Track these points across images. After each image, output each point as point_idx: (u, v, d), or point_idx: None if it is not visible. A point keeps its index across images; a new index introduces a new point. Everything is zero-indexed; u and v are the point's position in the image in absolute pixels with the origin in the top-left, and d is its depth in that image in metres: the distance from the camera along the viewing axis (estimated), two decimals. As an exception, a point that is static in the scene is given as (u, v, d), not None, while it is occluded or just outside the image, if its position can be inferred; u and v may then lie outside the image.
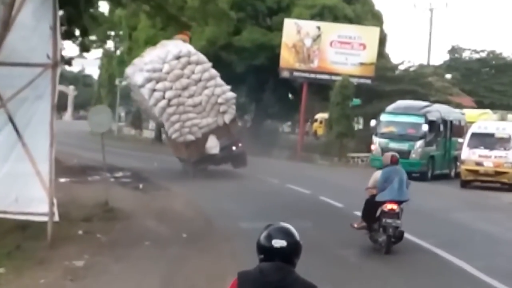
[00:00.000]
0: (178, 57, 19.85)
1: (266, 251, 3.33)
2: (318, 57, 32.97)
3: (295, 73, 33.09)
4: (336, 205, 16.67)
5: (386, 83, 33.10)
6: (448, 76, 46.56)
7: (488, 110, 33.01)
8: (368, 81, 32.53)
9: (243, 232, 12.08)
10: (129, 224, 12.92)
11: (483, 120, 26.38)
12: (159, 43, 19.21)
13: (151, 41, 34.54)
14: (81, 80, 73.71)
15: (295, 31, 32.82)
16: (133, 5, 20.99)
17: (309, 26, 32.87)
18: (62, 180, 19.16)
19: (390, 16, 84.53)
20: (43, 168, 9.99)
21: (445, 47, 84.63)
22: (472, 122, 26.16)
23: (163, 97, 20.11)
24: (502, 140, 23.33)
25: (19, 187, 10.10)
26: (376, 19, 35.87)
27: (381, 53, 34.89)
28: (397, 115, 26.48)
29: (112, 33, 39.06)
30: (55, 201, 10.16)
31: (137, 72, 19.88)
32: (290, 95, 35.28)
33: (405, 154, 25.57)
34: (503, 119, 27.69)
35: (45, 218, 10.06)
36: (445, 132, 26.99)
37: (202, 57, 21.28)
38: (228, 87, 21.57)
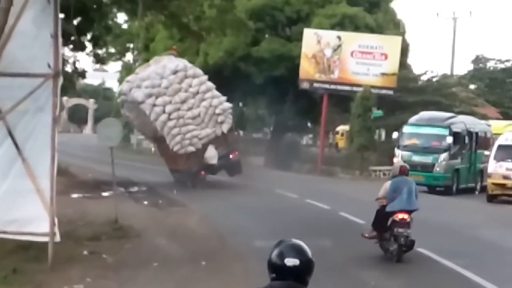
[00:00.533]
0: (175, 72, 20.34)
1: (278, 270, 3.23)
2: (338, 68, 32.33)
3: (315, 84, 32.47)
4: (357, 221, 15.93)
5: (408, 94, 32.41)
6: (472, 86, 45.64)
7: (514, 121, 32.08)
8: (390, 92, 31.81)
9: (257, 251, 11.39)
10: (139, 243, 12.33)
11: (510, 132, 25.50)
12: (152, 59, 19.37)
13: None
14: (101, 93, 73.71)
15: (315, 41, 32.21)
16: (148, 15, 20.59)
17: (329, 36, 32.25)
18: (74, 195, 18.72)
19: (412, 26, 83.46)
20: (44, 184, 9.43)
21: (469, 57, 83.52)
22: (498, 134, 25.35)
23: (164, 111, 20.67)
24: (530, 153, 22.49)
25: (19, 205, 9.54)
26: (398, 28, 35.14)
27: (403, 63, 34.16)
28: (420, 127, 25.72)
29: (131, 45, 38.81)
30: (56, 220, 9.58)
31: (135, 89, 20.21)
32: (310, 107, 34.62)
33: (428, 167, 24.88)
34: (530, 130, 26.78)
35: (45, 239, 9.49)
36: (471, 144, 26.17)
37: (198, 71, 21.94)
38: (224, 97, 22.00)
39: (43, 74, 9.38)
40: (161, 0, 16.00)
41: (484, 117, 32.25)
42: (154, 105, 20.44)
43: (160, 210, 17.26)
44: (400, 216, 11.09)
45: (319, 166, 32.78)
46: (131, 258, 10.99)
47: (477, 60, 52.89)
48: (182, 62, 21.08)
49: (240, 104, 36.22)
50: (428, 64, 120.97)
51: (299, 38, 32.35)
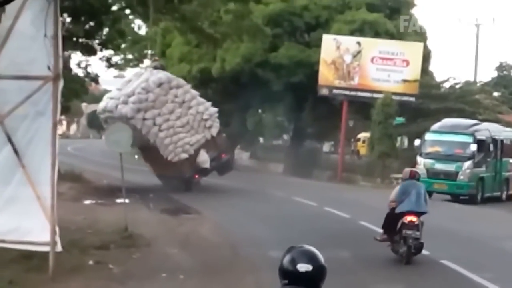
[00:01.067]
0: (160, 85, 21.00)
1: (290, 276, 3.24)
2: (358, 74, 31.71)
3: (335, 91, 31.87)
4: (378, 230, 15.17)
5: (431, 101, 31.74)
6: (496, 93, 44.74)
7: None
8: (412, 99, 31.12)
9: (271, 262, 10.77)
10: (148, 253, 11.80)
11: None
12: (134, 73, 19.55)
13: (185, 58, 33.90)
14: (121, 100, 73.59)
15: (334, 47, 31.63)
16: (162, 20, 20.21)
17: (349, 41, 31.66)
18: (87, 202, 18.31)
19: (434, 32, 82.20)
20: (45, 192, 8.96)
21: (492, 64, 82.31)
22: (524, 142, 24.54)
23: (154, 124, 21.50)
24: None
25: (19, 213, 9.07)
26: (419, 34, 34.41)
27: (425, 70, 33.46)
28: (443, 134, 24.99)
29: (149, 51, 38.51)
30: (57, 229, 9.09)
31: (121, 105, 20.81)
32: (329, 114, 34.05)
33: (452, 176, 24.16)
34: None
35: (46, 248, 9.00)
36: (496, 152, 25.36)
37: (181, 81, 22.85)
38: (209, 103, 22.92)
39: (42, 76, 8.92)
40: (172, 3, 15.56)
41: (509, 124, 31.36)
42: (144, 119, 21.32)
43: (173, 217, 16.75)
44: (409, 218, 11.36)
45: (340, 173, 32.14)
46: (139, 269, 10.47)
47: (501, 67, 52.02)
48: (164, 74, 21.80)
49: (259, 110, 35.69)
50: (450, 71, 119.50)
51: (318, 44, 31.79)
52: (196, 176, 22.59)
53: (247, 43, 29.05)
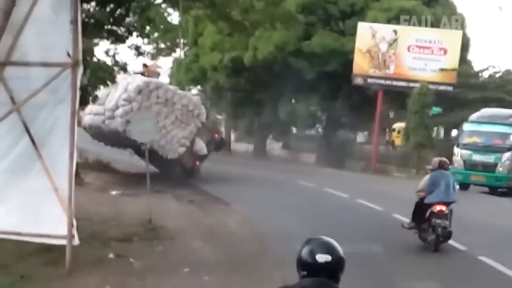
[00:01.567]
0: (139, 92, 20.97)
1: (309, 267, 3.31)
2: (394, 63, 30.98)
3: (370, 80, 31.18)
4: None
5: (469, 90, 30.95)
6: (537, 83, 43.36)
7: None
8: (450, 88, 30.29)
9: (299, 257, 10.37)
10: (172, 246, 11.43)
11: None
12: (111, 86, 19.02)
13: (217, 47, 33.49)
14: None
15: (369, 35, 30.91)
16: (193, 7, 19.77)
17: (385, 30, 30.90)
18: (113, 192, 18.04)
19: (473, 20, 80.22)
20: (63, 183, 8.62)
21: (533, 53, 79.84)
22: None
23: None
24: None
25: (36, 206, 8.75)
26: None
27: (464, 59, 32.56)
28: (481, 124, 24.17)
29: (181, 40, 38.26)
30: (74, 221, 8.75)
31: (109, 120, 20.93)
32: (364, 103, 33.34)
33: (490, 167, 23.41)
34: None
35: (63, 241, 8.67)
36: (537, 143, 24.45)
37: (158, 81, 23.14)
38: (191, 93, 23.78)
39: (61, 63, 8.55)
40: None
41: (551, 114, 30.33)
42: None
43: (200, 209, 16.37)
44: (438, 207, 11.60)
45: (373, 164, 31.49)
46: (160, 263, 10.10)
47: (543, 55, 50.39)
48: (140, 80, 21.83)
49: (292, 100, 35.15)
50: (490, 60, 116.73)
51: (353, 32, 31.10)
52: (197, 163, 23.15)
53: (279, 31, 28.47)
